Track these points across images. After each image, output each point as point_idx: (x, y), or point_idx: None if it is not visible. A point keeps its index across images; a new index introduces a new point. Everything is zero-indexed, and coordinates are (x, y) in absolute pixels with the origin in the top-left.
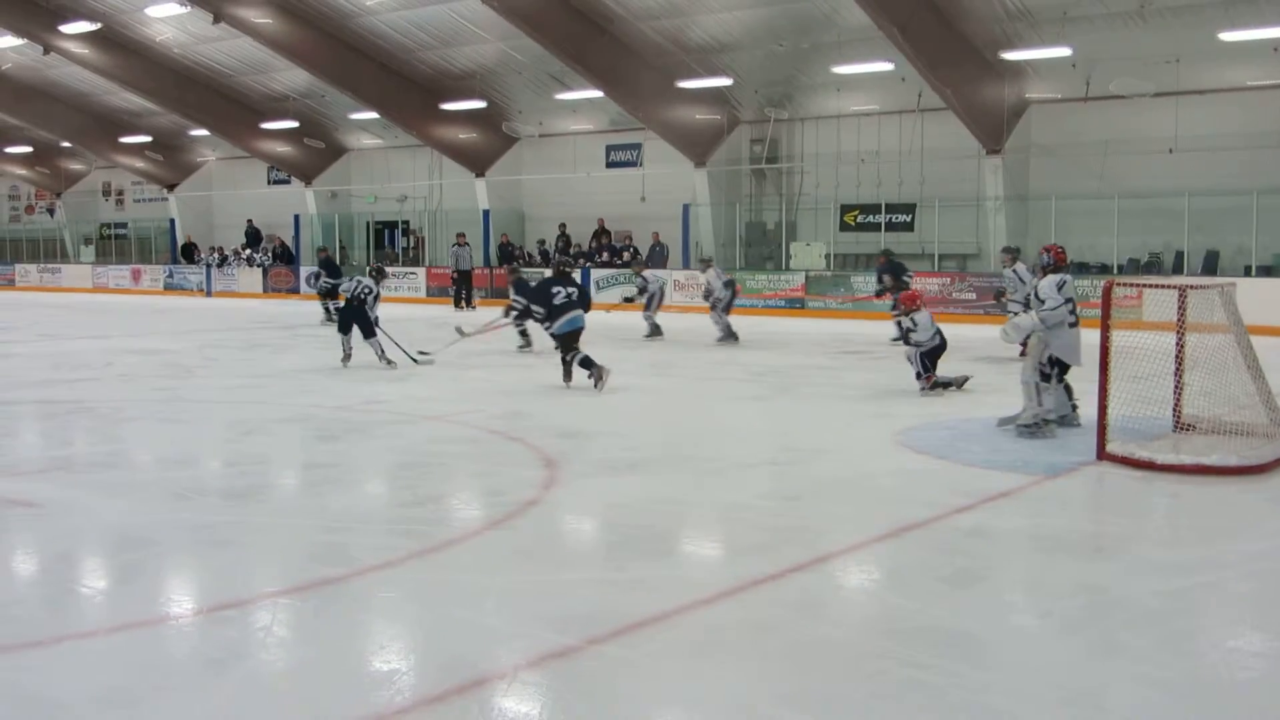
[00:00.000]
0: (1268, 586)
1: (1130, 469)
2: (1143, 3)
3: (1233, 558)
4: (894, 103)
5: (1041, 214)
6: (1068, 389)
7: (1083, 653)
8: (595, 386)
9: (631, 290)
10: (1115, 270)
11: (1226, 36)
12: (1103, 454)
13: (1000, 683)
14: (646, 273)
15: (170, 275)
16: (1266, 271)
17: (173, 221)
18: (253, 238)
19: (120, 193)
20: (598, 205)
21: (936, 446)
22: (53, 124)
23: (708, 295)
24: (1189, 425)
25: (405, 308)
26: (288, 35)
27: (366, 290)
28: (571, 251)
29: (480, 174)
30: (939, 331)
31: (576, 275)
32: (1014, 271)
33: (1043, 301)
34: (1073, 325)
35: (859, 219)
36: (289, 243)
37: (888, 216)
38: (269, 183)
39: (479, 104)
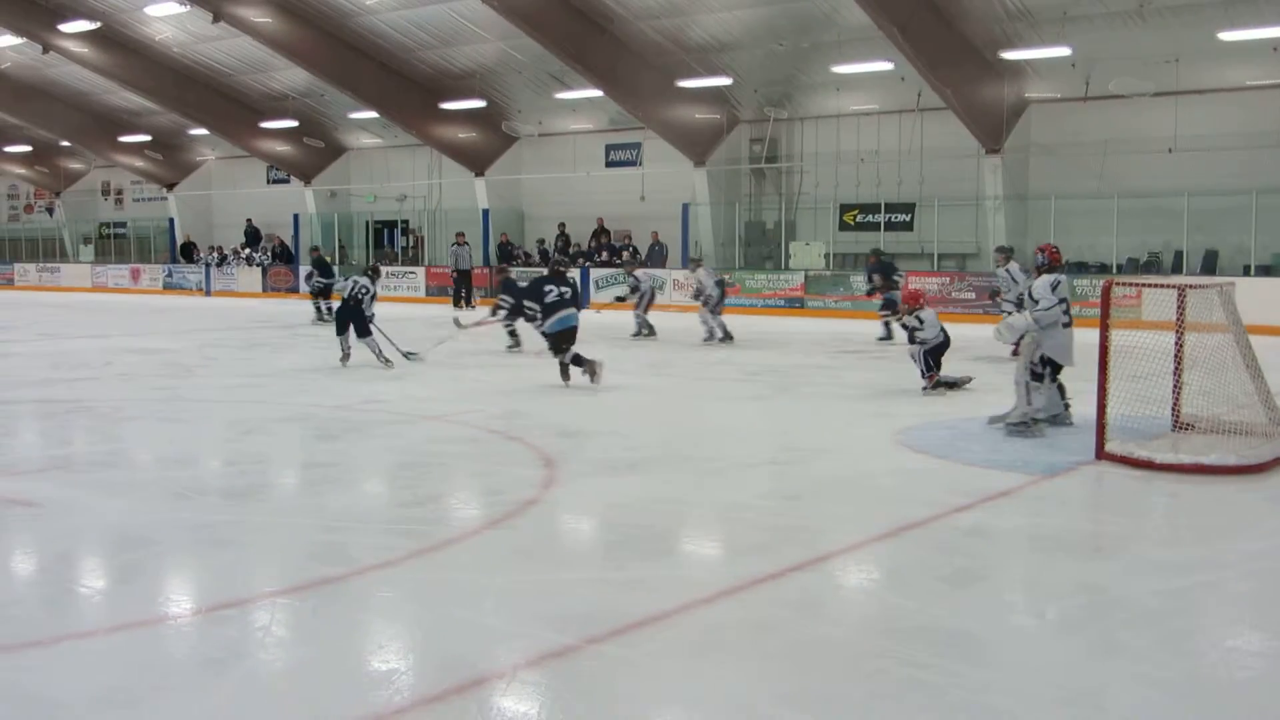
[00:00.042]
0: (1267, 586)
1: (1129, 468)
2: (1142, 2)
3: (1232, 557)
4: (893, 102)
5: (1041, 214)
6: (1061, 388)
7: (1082, 652)
8: (592, 381)
9: (624, 290)
10: (1114, 270)
11: (1226, 36)
12: (1102, 453)
13: (1000, 682)
14: (639, 272)
15: (169, 275)
16: (1265, 271)
17: (172, 221)
18: (252, 237)
19: (119, 192)
20: (597, 205)
21: (936, 446)
22: (52, 123)
23: (698, 295)
24: (1188, 424)
25: (404, 307)
26: (287, 34)
27: (364, 290)
28: (571, 251)
29: (480, 173)
30: (943, 328)
31: (576, 274)
32: (1007, 271)
33: (1036, 301)
34: (1066, 326)
35: (858, 218)
36: (288, 242)
37: (887, 216)
38: (268, 182)
39: (478, 103)
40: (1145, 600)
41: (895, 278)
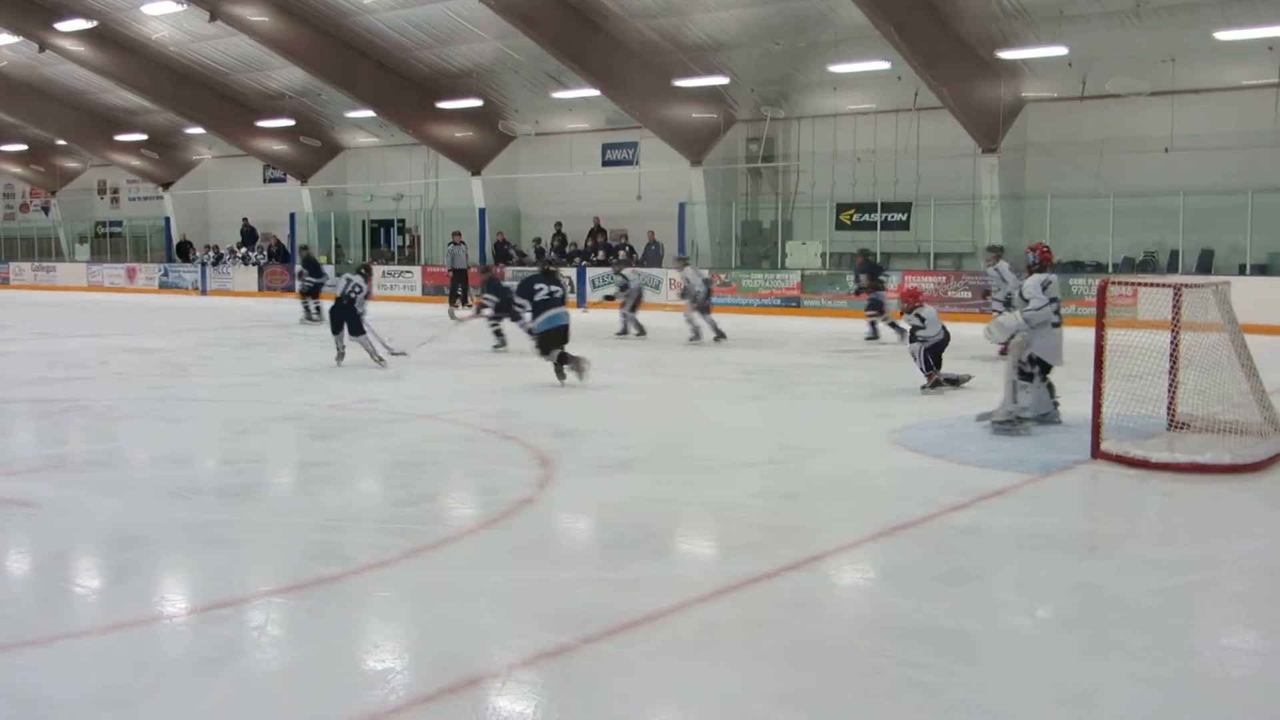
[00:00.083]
0: (1262, 585)
1: (1125, 467)
2: (1139, 2)
3: (1227, 556)
4: (890, 101)
5: (1037, 213)
6: (1050, 387)
7: (1077, 651)
8: (579, 379)
9: (613, 289)
10: (1110, 269)
11: (1222, 36)
12: (1097, 452)
13: (995, 681)
14: (627, 271)
15: (165, 274)
16: (1261, 270)
17: (168, 220)
18: (248, 236)
19: (115, 191)
20: (594, 204)
21: (932, 445)
22: (48, 122)
23: (684, 293)
24: (1183, 423)
25: (400, 306)
26: (284, 33)
27: (357, 289)
28: (568, 250)
29: (476, 172)
30: (944, 326)
31: (572, 273)
32: (996, 270)
33: (1027, 301)
34: (1056, 325)
35: (855, 218)
36: (284, 241)
37: (884, 215)
38: (264, 181)
39: (475, 102)
40: (1140, 599)
41: (881, 278)
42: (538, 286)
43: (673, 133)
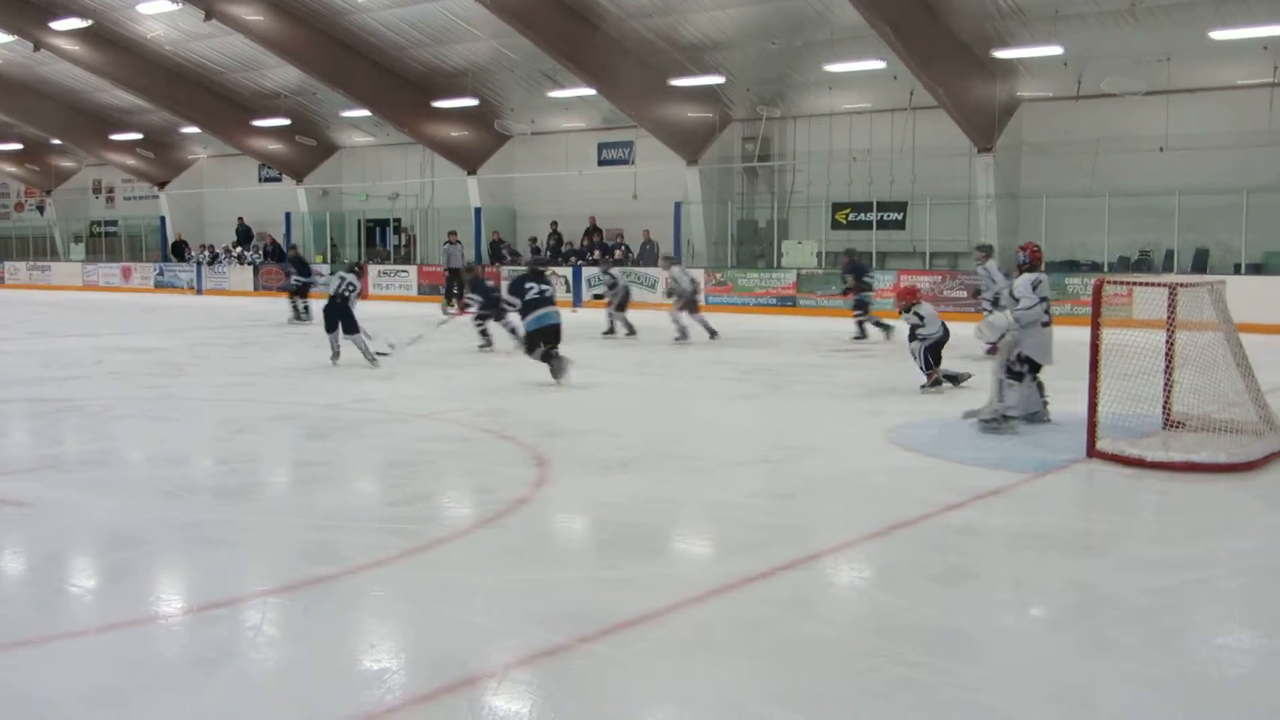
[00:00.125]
0: (1257, 584)
1: (1120, 466)
2: (1134, 1)
3: (1222, 555)
4: (886, 101)
5: (1032, 212)
6: (1040, 386)
7: (1072, 650)
8: (558, 378)
9: (602, 288)
10: (1106, 268)
11: (1217, 35)
12: (1093, 451)
13: (990, 680)
14: (614, 270)
15: (161, 273)
16: (1256, 269)
17: (163, 219)
18: (244, 235)
19: (110, 190)
20: (590, 203)
21: (927, 444)
22: (43, 121)
23: (670, 293)
24: (1179, 422)
25: (396, 305)
26: (279, 32)
27: (350, 287)
28: (564, 249)
29: (472, 172)
30: (943, 323)
31: (568, 272)
32: (985, 269)
33: (1017, 300)
34: (1046, 325)
35: (851, 217)
36: (280, 240)
37: (879, 215)
38: (260, 180)
39: (471, 102)
40: (1135, 598)
41: (866, 279)
42: (528, 286)
43: (668, 132)
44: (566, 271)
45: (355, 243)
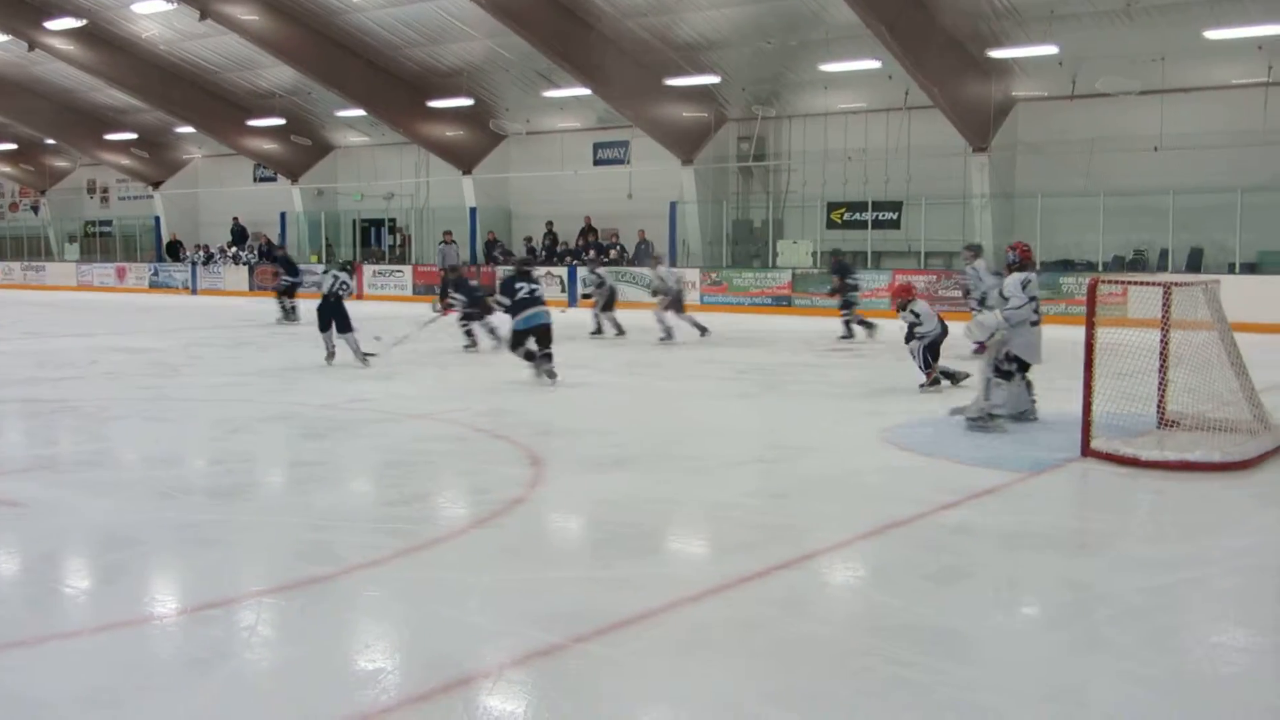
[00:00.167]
0: (1251, 582)
1: (1115, 465)
2: (1129, 1)
3: (1216, 554)
4: (881, 100)
5: (1027, 211)
6: (1028, 385)
7: (1067, 649)
8: (535, 374)
9: (590, 288)
10: (1100, 267)
11: (1212, 35)
12: (1087, 450)
13: (985, 679)
14: (601, 270)
15: (155, 273)
16: (1250, 269)
17: (158, 219)
18: (238, 235)
19: (105, 190)
20: (585, 203)
21: (922, 444)
22: (37, 120)
23: (656, 292)
24: (1173, 421)
25: (391, 305)
26: (274, 32)
27: (343, 286)
28: (559, 249)
29: (467, 171)
30: (939, 319)
31: (563, 272)
32: (973, 268)
33: (1006, 300)
34: (1034, 324)
35: (846, 216)
36: (275, 240)
37: (874, 214)
38: (255, 180)
39: (466, 101)
40: (1130, 597)
41: (850, 280)
42: (518, 285)
43: (664, 132)
44: (562, 271)
45: (350, 243)
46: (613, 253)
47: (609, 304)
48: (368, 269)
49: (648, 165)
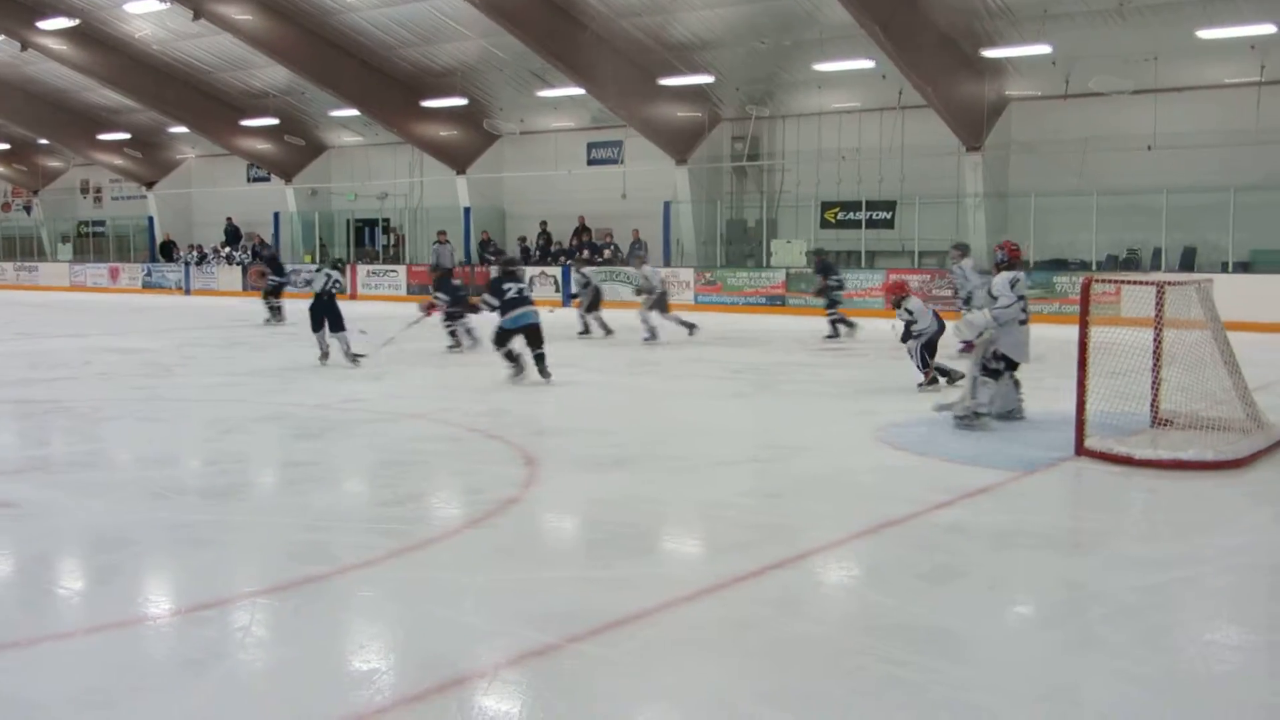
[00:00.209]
0: (1244, 581)
1: (1108, 464)
2: (1122, 1)
3: (1210, 552)
4: (875, 100)
5: (1021, 211)
6: (1016, 384)
7: (1060, 648)
8: (511, 377)
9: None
10: (1094, 266)
11: (1205, 34)
12: (1081, 449)
13: (979, 678)
14: (586, 270)
15: (149, 273)
16: (1243, 268)
17: (151, 219)
18: (232, 235)
19: (98, 190)
20: (579, 203)
21: (916, 443)
22: (30, 121)
23: (640, 291)
24: (1166, 420)
25: (386, 305)
26: (268, 32)
27: (336, 284)
28: (553, 249)
29: (461, 171)
30: (935, 315)
31: (557, 272)
32: (960, 267)
33: (995, 299)
34: (1023, 323)
35: (840, 216)
36: (269, 240)
37: (868, 214)
38: (248, 180)
39: (460, 101)
40: (1123, 596)
41: (831, 280)
42: (506, 286)
43: (658, 131)
44: (556, 272)
45: (344, 242)
46: (606, 253)
47: (594, 304)
48: (362, 269)
49: (642, 165)
